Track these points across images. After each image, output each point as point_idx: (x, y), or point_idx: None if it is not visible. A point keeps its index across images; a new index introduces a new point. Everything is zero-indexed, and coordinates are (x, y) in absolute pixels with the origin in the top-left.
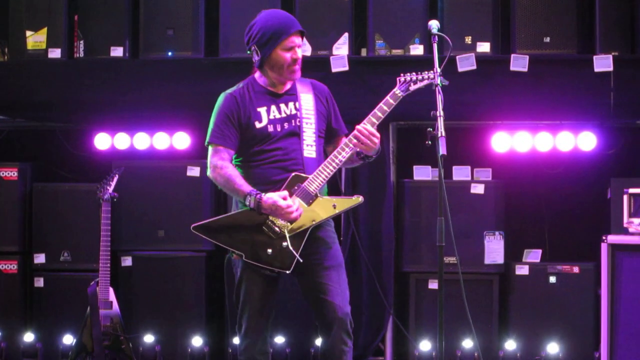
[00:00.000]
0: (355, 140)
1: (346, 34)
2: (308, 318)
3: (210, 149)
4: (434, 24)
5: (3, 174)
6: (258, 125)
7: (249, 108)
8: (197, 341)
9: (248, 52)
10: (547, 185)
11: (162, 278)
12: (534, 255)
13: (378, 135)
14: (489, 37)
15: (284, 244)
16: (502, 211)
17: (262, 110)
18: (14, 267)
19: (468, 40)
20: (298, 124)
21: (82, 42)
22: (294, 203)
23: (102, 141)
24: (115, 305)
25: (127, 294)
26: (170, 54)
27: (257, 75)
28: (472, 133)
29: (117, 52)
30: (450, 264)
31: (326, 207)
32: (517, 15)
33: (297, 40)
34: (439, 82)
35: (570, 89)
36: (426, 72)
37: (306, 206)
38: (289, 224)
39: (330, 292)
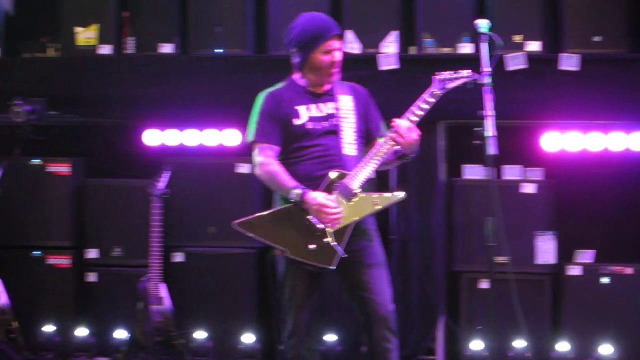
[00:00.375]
0: (394, 135)
1: (395, 33)
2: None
3: (255, 147)
4: (482, 23)
5: (56, 169)
6: (297, 122)
7: (288, 106)
8: (248, 338)
9: (289, 52)
10: (599, 185)
11: (213, 274)
12: (586, 256)
13: (418, 131)
14: (539, 36)
15: (327, 240)
16: (553, 211)
17: (302, 108)
18: (67, 262)
19: (518, 39)
20: (337, 122)
21: (132, 39)
22: (337, 203)
23: (152, 137)
24: (167, 301)
25: (178, 290)
26: (219, 51)
27: (297, 76)
28: (522, 132)
29: (166, 48)
30: (501, 263)
31: (367, 204)
32: (567, 15)
33: (335, 44)
34: (489, 81)
35: (621, 89)
36: (462, 71)
37: (347, 203)
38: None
39: (372, 290)
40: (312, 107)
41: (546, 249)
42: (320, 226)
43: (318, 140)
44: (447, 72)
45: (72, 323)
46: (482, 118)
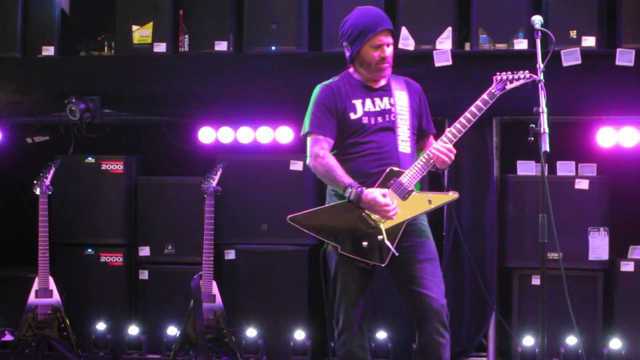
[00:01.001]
0: (433, 155)
1: (449, 28)
2: (410, 313)
3: (309, 138)
4: (537, 19)
5: (109, 167)
6: (353, 116)
7: (344, 99)
8: (299, 335)
9: (341, 46)
10: None
11: (264, 271)
12: (639, 252)
13: (454, 151)
14: (594, 31)
15: (380, 237)
16: (606, 207)
17: (357, 102)
18: (119, 259)
19: (573, 34)
20: (392, 119)
21: (186, 36)
22: (393, 202)
23: (206, 135)
24: (219, 298)
25: (230, 287)
26: (273, 48)
27: (351, 70)
28: (576, 128)
29: (221, 46)
30: (553, 259)
31: (421, 202)
32: (623, 9)
33: (385, 38)
34: (541, 78)
35: None
36: (522, 72)
37: (402, 200)
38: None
39: (424, 285)
40: (368, 101)
41: (599, 245)
42: (373, 223)
43: (373, 136)
44: (507, 73)
45: (124, 320)
46: (538, 114)
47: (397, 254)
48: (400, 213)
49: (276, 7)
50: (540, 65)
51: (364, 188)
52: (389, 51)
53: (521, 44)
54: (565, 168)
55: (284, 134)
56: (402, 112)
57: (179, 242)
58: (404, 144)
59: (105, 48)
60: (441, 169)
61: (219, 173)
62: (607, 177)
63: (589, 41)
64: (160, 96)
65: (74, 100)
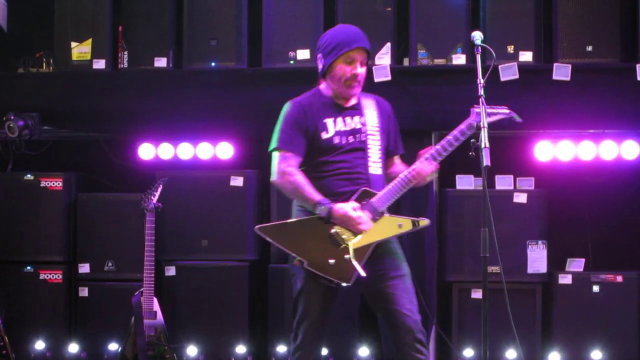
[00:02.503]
0: (414, 174)
1: (388, 44)
2: (351, 327)
3: (276, 154)
4: (477, 35)
5: (48, 184)
6: (325, 135)
7: (316, 118)
8: (240, 350)
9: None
10: (590, 194)
11: (205, 288)
12: (577, 265)
13: (436, 166)
14: (531, 46)
15: (347, 256)
16: (544, 220)
17: (329, 121)
18: (58, 277)
19: (510, 49)
20: (363, 139)
21: (126, 52)
22: (364, 215)
23: (146, 151)
24: (160, 315)
25: (171, 304)
26: (213, 64)
27: (322, 86)
28: (514, 142)
29: (160, 62)
30: (493, 273)
31: (392, 226)
32: (560, 24)
33: (359, 56)
34: (482, 93)
35: (613, 98)
36: (501, 107)
37: (372, 222)
38: (353, 236)
39: (397, 302)
40: (339, 120)
41: (537, 258)
42: (342, 241)
43: (344, 155)
44: (487, 106)
45: (64, 338)
46: (479, 129)
47: (363, 274)
48: (369, 235)
49: (216, 23)
50: (481, 80)
51: (334, 204)
52: (361, 70)
53: (459, 59)
54: (503, 182)
55: (224, 150)
56: (372, 132)
57: (119, 258)
58: (375, 165)
59: (44, 65)
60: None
61: (159, 189)
62: (545, 191)
63: (527, 56)
64: (100, 113)
65: (12, 117)
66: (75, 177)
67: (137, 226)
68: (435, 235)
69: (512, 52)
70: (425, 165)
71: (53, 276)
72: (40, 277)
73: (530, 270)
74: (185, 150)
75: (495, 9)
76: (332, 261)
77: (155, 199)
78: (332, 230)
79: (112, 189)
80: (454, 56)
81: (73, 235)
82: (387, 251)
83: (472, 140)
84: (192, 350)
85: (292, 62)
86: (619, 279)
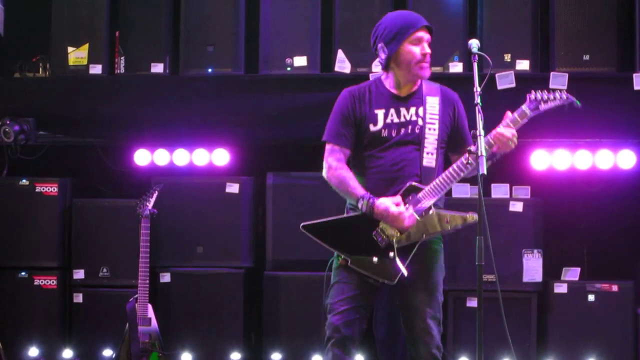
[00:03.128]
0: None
1: None
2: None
3: (326, 147)
4: (474, 43)
5: (43, 189)
6: (372, 128)
7: (365, 108)
8: (235, 357)
9: (375, 52)
10: (586, 203)
11: (200, 294)
12: (572, 274)
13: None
14: (528, 54)
15: (391, 254)
16: (540, 229)
17: (380, 112)
18: (53, 282)
19: (507, 57)
20: (418, 131)
21: (122, 58)
22: (407, 211)
23: (141, 157)
24: (154, 321)
25: (165, 310)
26: (210, 70)
27: (383, 76)
28: (510, 151)
29: (157, 68)
30: (488, 281)
31: (439, 222)
32: (557, 33)
33: (425, 35)
34: (479, 101)
35: (609, 107)
36: (558, 92)
37: (418, 218)
38: (398, 234)
39: (420, 312)
40: (392, 111)
41: (533, 267)
42: (386, 239)
43: (389, 150)
44: (541, 92)
45: (58, 344)
46: (475, 137)
47: (406, 274)
48: (415, 232)
49: (213, 29)
50: (477, 88)
51: (376, 199)
52: (428, 48)
53: (456, 67)
54: (499, 190)
55: (220, 156)
56: (431, 121)
57: (114, 264)
58: (429, 157)
59: (40, 69)
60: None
61: (154, 195)
62: (540, 200)
63: (523, 65)
64: (96, 118)
65: (8, 122)
66: (70, 182)
67: (132, 232)
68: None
69: (509, 60)
70: (505, 131)
71: (47, 282)
72: (35, 283)
73: (525, 279)
74: (181, 157)
75: (493, 18)
76: (375, 259)
77: (150, 205)
78: (378, 228)
79: (108, 195)
80: (450, 64)
81: (68, 241)
82: (428, 254)
83: (469, 149)
84: (186, 357)
85: (289, 68)
86: (615, 288)
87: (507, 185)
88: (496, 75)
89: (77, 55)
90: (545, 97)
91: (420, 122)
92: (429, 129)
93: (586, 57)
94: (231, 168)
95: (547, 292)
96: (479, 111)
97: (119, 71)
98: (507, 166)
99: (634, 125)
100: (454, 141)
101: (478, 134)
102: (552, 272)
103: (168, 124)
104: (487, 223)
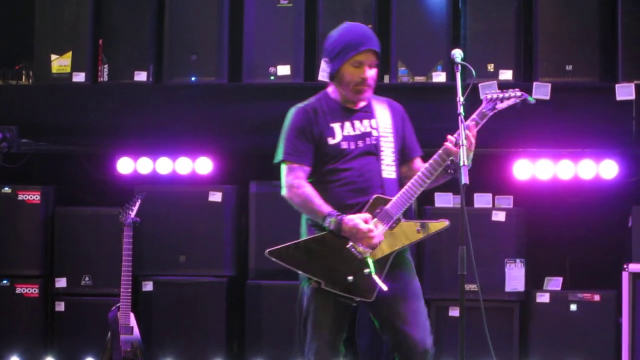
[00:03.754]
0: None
1: None
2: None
3: (283, 167)
4: (457, 53)
5: (25, 197)
6: (331, 141)
7: (321, 123)
8: None
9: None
10: (569, 213)
11: (182, 303)
12: (554, 283)
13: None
14: (511, 64)
15: (367, 270)
16: (523, 239)
17: (336, 125)
18: (35, 291)
19: (490, 67)
20: (374, 142)
21: (106, 66)
22: (376, 227)
23: (124, 165)
24: (136, 330)
25: (147, 319)
26: (193, 79)
27: (330, 89)
28: (493, 160)
29: (140, 76)
30: (471, 291)
31: (410, 232)
32: (540, 43)
33: (368, 59)
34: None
35: (592, 117)
36: (512, 90)
37: (389, 230)
38: (370, 249)
39: (410, 323)
40: (347, 124)
41: (515, 276)
42: (359, 255)
43: (353, 162)
44: (497, 91)
45: (40, 353)
46: (457, 146)
47: (385, 289)
48: (388, 244)
49: (196, 38)
50: (461, 98)
51: (344, 216)
52: (370, 73)
53: (440, 77)
54: (482, 200)
55: (203, 165)
56: (385, 134)
57: (96, 273)
58: (389, 169)
59: (23, 77)
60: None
61: (137, 204)
62: (523, 209)
63: (506, 74)
64: (79, 126)
65: None
66: (53, 190)
67: (115, 241)
68: (414, 252)
69: (492, 70)
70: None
71: (29, 290)
72: (17, 291)
73: (508, 288)
74: (164, 165)
75: (476, 28)
76: (350, 278)
77: (133, 214)
78: (348, 245)
79: (90, 203)
80: (434, 74)
81: (50, 249)
82: (401, 263)
83: (451, 158)
84: None
85: (272, 77)
86: (597, 298)
87: (490, 194)
88: (479, 85)
89: (60, 63)
90: (501, 96)
91: (375, 133)
92: (385, 141)
93: (569, 67)
94: (214, 177)
95: (529, 301)
96: (461, 121)
97: (102, 79)
98: (489, 176)
99: (616, 136)
100: (404, 153)
101: (460, 143)
102: (534, 282)
103: (151, 133)
104: (470, 232)
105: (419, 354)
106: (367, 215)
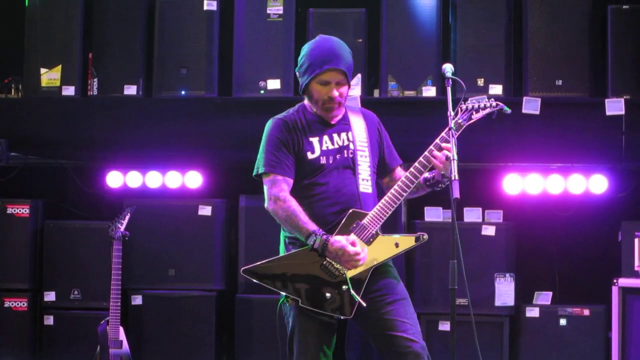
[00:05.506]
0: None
1: (359, 75)
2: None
3: (266, 179)
4: (447, 68)
5: (15, 210)
6: (310, 156)
7: (301, 137)
8: None
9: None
10: (558, 227)
11: (172, 317)
12: (544, 298)
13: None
14: (502, 79)
15: (345, 287)
16: (513, 253)
17: (315, 140)
18: (24, 304)
19: (480, 82)
20: (351, 155)
21: (95, 80)
22: (362, 251)
23: (114, 179)
24: (125, 344)
25: (137, 333)
26: (183, 92)
27: (306, 101)
28: (483, 175)
29: (130, 90)
30: (461, 305)
31: (388, 246)
32: (530, 58)
33: (334, 77)
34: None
35: (581, 132)
36: (487, 100)
37: (366, 245)
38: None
39: (400, 327)
40: (325, 138)
41: (505, 291)
42: (336, 272)
43: (330, 176)
44: (472, 101)
45: None
46: (448, 160)
47: (364, 305)
48: (366, 260)
49: (186, 51)
50: (451, 112)
51: (330, 236)
52: (337, 91)
53: (429, 91)
54: (472, 214)
55: (193, 179)
56: (361, 147)
57: (86, 287)
58: (365, 184)
59: (13, 90)
60: (440, 183)
61: (127, 217)
62: (513, 224)
63: (496, 89)
64: (68, 140)
65: None
66: (42, 204)
67: (104, 254)
68: (404, 266)
69: (482, 84)
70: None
71: (18, 304)
72: (5, 305)
73: (497, 302)
74: (153, 179)
75: (466, 42)
76: (328, 295)
77: (122, 228)
78: (325, 261)
79: (80, 217)
80: (424, 88)
81: (39, 263)
82: (382, 273)
83: (442, 172)
84: None
85: (262, 91)
86: (586, 312)
87: (480, 209)
88: (469, 99)
89: (49, 77)
90: (477, 106)
91: (351, 146)
92: (361, 155)
93: (559, 82)
94: (204, 190)
95: (519, 316)
96: (452, 135)
97: (91, 93)
98: (479, 190)
99: (605, 150)
100: (384, 164)
101: (452, 157)
102: (524, 296)
103: (141, 146)
104: (460, 247)
105: (414, 355)
106: (354, 238)
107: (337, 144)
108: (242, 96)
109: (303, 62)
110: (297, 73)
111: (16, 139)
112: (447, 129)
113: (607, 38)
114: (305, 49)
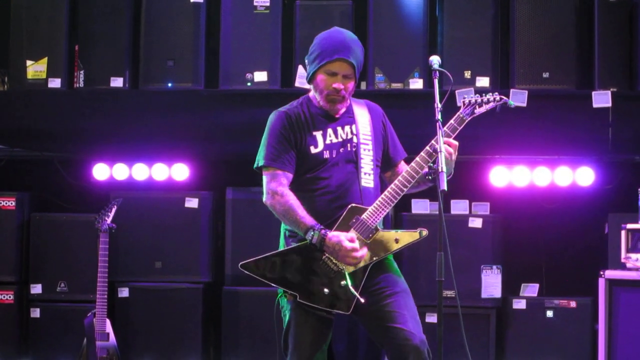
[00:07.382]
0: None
1: None
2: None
3: (265, 172)
4: (435, 60)
5: (1, 203)
6: (313, 150)
7: (304, 130)
8: None
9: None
10: (545, 219)
11: (159, 309)
12: (531, 290)
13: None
14: (489, 71)
15: (343, 282)
16: (499, 245)
17: (318, 134)
18: (10, 297)
19: (467, 74)
20: (354, 149)
21: (82, 72)
22: (362, 248)
23: (100, 171)
24: (112, 336)
25: (123, 326)
26: (170, 85)
27: (311, 94)
28: (470, 167)
29: (117, 82)
30: (448, 297)
31: (388, 242)
32: (517, 51)
33: (342, 69)
34: (439, 117)
35: (568, 124)
36: (490, 94)
37: (365, 241)
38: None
39: (399, 319)
40: (329, 131)
41: (492, 283)
42: (335, 267)
43: (333, 170)
44: (474, 96)
45: (15, 359)
46: (436, 153)
47: (362, 301)
48: (365, 255)
49: (173, 44)
50: (438, 104)
51: (328, 231)
52: (343, 84)
53: (417, 84)
54: (459, 207)
55: (180, 171)
56: (365, 141)
57: (72, 279)
58: (367, 178)
59: None
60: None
61: (113, 210)
62: (500, 216)
63: (483, 81)
64: (54, 132)
65: None
66: (28, 196)
67: (91, 247)
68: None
69: (469, 77)
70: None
71: (4, 296)
72: None
73: (484, 294)
74: (140, 171)
75: (453, 35)
76: (326, 290)
77: (109, 220)
78: (324, 257)
79: (66, 209)
80: (411, 80)
81: (25, 256)
82: (382, 267)
83: (430, 164)
84: None
85: (249, 84)
86: (573, 304)
87: (467, 201)
88: (456, 91)
89: (35, 69)
90: (479, 100)
91: (355, 139)
92: (364, 149)
93: (546, 75)
94: (191, 183)
95: (505, 308)
96: (439, 127)
97: (78, 85)
98: (466, 182)
99: (592, 143)
100: (387, 157)
101: (439, 150)
102: (511, 288)
103: (127, 139)
104: (447, 239)
105: (412, 350)
106: (353, 234)
107: (341, 137)
108: (228, 88)
109: (313, 50)
110: (305, 61)
111: (2, 131)
112: (451, 120)
113: (594, 30)
114: (317, 38)
